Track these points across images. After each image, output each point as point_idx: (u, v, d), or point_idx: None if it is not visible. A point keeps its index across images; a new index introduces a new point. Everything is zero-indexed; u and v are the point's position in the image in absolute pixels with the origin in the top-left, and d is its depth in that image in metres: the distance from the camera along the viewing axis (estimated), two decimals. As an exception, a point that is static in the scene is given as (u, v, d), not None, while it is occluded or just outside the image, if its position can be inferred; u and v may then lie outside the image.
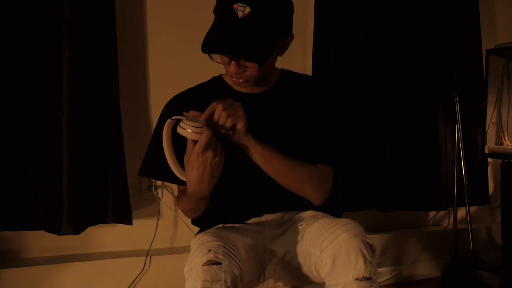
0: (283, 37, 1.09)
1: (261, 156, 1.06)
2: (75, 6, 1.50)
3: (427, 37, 2.13)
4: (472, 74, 2.27)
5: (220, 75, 1.25)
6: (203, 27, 1.78)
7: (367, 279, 0.89)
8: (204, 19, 1.89)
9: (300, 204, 1.15)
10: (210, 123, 0.99)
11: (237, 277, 0.89)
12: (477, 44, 2.28)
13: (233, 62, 1.05)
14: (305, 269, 1.06)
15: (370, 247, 0.93)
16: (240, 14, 0.98)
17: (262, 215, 1.14)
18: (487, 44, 2.34)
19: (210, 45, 1.03)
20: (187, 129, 0.96)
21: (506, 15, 2.51)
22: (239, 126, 1.01)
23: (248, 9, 0.98)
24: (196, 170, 0.97)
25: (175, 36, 1.78)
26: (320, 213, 1.13)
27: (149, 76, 1.76)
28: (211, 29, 1.06)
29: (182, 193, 1.14)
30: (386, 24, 2.04)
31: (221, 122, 0.99)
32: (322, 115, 1.17)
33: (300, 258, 1.05)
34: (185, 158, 0.99)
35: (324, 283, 0.97)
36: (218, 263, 0.87)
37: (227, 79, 1.21)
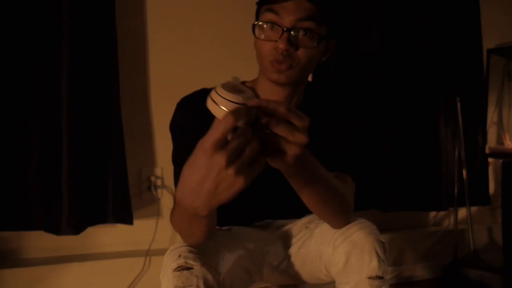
0: (332, 35, 0.99)
1: (302, 187, 0.81)
2: (75, 5, 1.50)
3: (428, 37, 2.12)
4: (473, 74, 2.26)
5: (244, 83, 1.09)
6: (204, 26, 1.80)
7: (380, 278, 0.88)
8: (205, 18, 1.90)
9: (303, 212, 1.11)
10: (255, 121, 0.62)
11: (210, 280, 0.87)
12: (477, 44, 2.27)
13: (285, 35, 0.90)
14: (313, 268, 1.04)
15: (382, 245, 0.92)
16: None
17: (263, 220, 1.13)
18: (488, 44, 2.33)
19: None
20: (217, 101, 0.62)
21: (507, 15, 2.51)
22: (290, 153, 0.63)
23: None
24: (194, 171, 0.60)
25: (175, 36, 1.77)
26: None
27: (150, 76, 1.75)
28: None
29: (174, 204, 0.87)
30: (386, 25, 2.03)
31: (270, 135, 0.64)
32: (345, 138, 1.06)
33: (308, 258, 1.03)
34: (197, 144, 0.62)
35: (324, 283, 0.96)
36: (189, 268, 0.86)
37: (252, 86, 1.06)
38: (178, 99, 1.89)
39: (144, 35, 1.74)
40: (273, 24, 0.91)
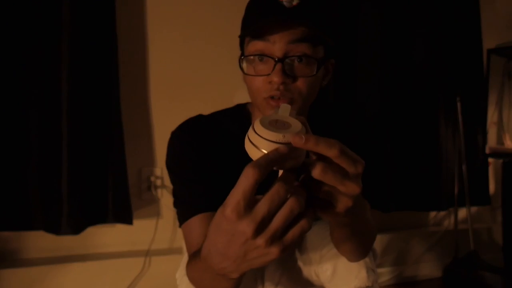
0: (330, 55, 0.85)
1: (348, 236, 0.73)
2: (75, 5, 1.50)
3: (428, 37, 2.12)
4: (473, 74, 2.26)
5: (245, 105, 0.97)
6: (204, 26, 1.80)
7: (369, 287, 0.88)
8: (205, 18, 1.89)
9: None
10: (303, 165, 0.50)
11: None
12: (477, 44, 2.27)
13: (278, 66, 0.76)
14: (305, 273, 1.04)
15: (373, 253, 0.91)
16: (287, 5, 0.76)
17: None
18: (488, 44, 2.33)
19: (258, 22, 0.75)
20: (254, 141, 0.50)
21: (507, 15, 2.51)
22: (340, 205, 0.53)
23: (296, 0, 0.76)
24: (218, 233, 0.51)
25: (175, 35, 1.77)
26: None
27: (150, 75, 1.75)
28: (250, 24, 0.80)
29: (196, 256, 0.68)
30: (386, 24, 2.03)
31: (318, 183, 0.51)
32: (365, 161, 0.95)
33: (300, 262, 1.03)
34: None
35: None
36: None
37: (254, 111, 0.93)
38: (178, 99, 1.89)
39: (144, 35, 1.74)
40: (262, 55, 0.78)
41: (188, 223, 0.84)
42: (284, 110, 0.55)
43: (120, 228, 1.65)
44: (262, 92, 0.79)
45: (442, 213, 2.33)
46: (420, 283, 2.18)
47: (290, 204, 0.46)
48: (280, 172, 0.50)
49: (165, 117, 1.71)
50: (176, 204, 0.91)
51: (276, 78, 0.76)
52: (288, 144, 0.48)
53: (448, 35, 2.16)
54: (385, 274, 2.11)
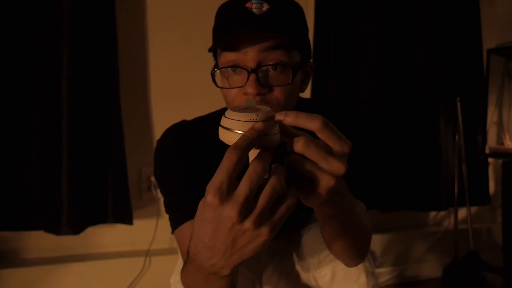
0: (307, 58, 0.83)
1: (337, 233, 0.69)
2: (75, 5, 1.50)
3: (428, 37, 2.12)
4: (473, 74, 2.26)
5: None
6: (203, 26, 1.79)
7: None
8: (205, 18, 1.89)
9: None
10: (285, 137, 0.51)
11: None
12: (477, 44, 2.27)
13: (252, 77, 0.72)
14: (304, 278, 1.02)
15: (372, 256, 0.90)
16: (256, 12, 0.74)
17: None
18: (488, 44, 2.33)
19: (228, 34, 0.72)
20: (228, 126, 0.51)
21: (507, 15, 2.51)
22: (323, 184, 0.50)
23: (266, 6, 0.73)
24: (203, 224, 0.49)
25: (175, 35, 1.77)
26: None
27: (150, 76, 1.75)
28: (218, 35, 0.78)
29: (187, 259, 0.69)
30: (387, 25, 2.03)
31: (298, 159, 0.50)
32: (355, 159, 0.87)
33: (298, 267, 1.02)
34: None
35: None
36: None
37: None
38: (178, 99, 1.89)
39: (144, 34, 1.74)
40: (235, 67, 0.75)
41: (180, 229, 0.84)
42: (250, 101, 0.57)
43: (120, 228, 1.66)
44: (238, 104, 0.78)
45: (442, 213, 2.33)
46: (420, 283, 2.18)
47: (272, 182, 0.46)
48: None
49: (165, 117, 1.71)
50: (167, 211, 0.92)
51: (250, 89, 0.73)
52: (255, 120, 0.49)
53: (448, 35, 2.16)
54: (385, 274, 2.11)
